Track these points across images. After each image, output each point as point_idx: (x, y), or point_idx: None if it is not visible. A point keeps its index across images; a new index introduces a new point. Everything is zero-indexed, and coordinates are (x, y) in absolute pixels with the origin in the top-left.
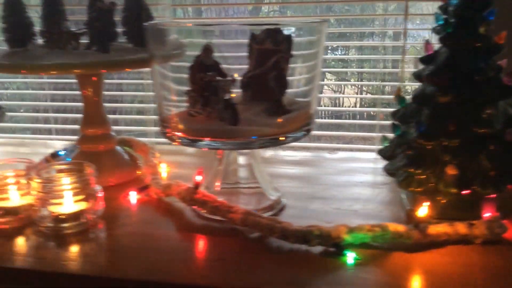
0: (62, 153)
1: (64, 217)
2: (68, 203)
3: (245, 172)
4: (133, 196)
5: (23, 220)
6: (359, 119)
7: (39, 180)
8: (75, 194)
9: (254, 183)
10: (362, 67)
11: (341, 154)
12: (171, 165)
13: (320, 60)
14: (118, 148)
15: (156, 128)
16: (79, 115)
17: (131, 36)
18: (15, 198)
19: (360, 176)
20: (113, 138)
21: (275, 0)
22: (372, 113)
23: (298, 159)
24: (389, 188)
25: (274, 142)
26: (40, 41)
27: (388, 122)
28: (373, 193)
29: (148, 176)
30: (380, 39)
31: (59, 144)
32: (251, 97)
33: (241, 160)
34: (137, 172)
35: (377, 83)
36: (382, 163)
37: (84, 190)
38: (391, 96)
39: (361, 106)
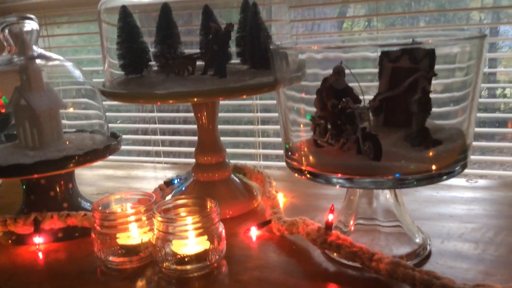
0: (176, 181)
1: (188, 258)
2: (191, 243)
3: (381, 207)
4: (254, 232)
5: (143, 260)
6: None
7: (161, 219)
8: (199, 234)
9: (394, 221)
10: None
11: (483, 183)
12: (288, 194)
13: (479, 77)
14: (233, 176)
15: (261, 151)
16: (183, 138)
17: (248, 57)
18: (135, 236)
19: None
20: (228, 166)
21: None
22: None
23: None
24: None
25: (424, 181)
26: (155, 67)
27: None
28: None
29: (267, 209)
30: None
31: (162, 166)
32: (383, 123)
33: (377, 192)
34: (254, 203)
35: None
36: None
37: (208, 229)
38: None
39: None
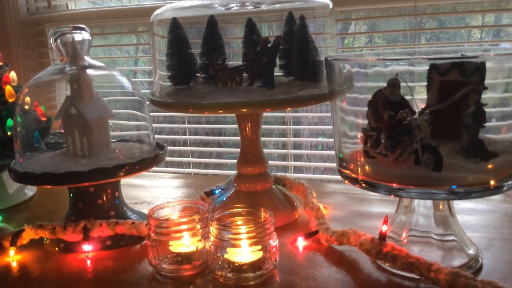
0: (217, 191)
1: (245, 267)
2: (246, 251)
3: (435, 218)
4: (301, 243)
5: (197, 268)
6: None
7: (216, 226)
8: (254, 243)
9: (448, 232)
10: None
11: None
12: (327, 206)
13: None
14: (274, 187)
15: (293, 163)
16: (216, 149)
17: (294, 69)
18: (188, 244)
19: None
20: (270, 177)
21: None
22: None
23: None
24: None
25: (482, 192)
26: (201, 78)
27: None
28: None
29: (312, 220)
30: None
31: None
32: (431, 136)
33: (430, 204)
34: (296, 214)
35: None
36: None
37: (263, 238)
38: None
39: None
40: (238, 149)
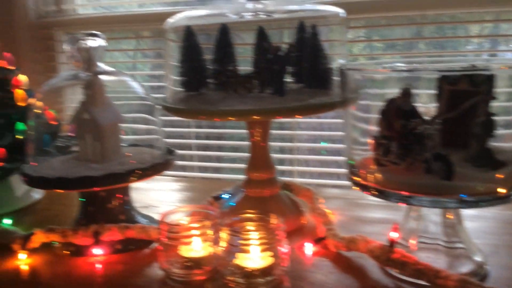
0: (225, 196)
1: (256, 272)
2: (256, 257)
3: (443, 226)
4: (308, 248)
5: (207, 273)
6: None
7: (227, 232)
8: (265, 249)
9: (456, 240)
10: None
11: None
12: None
13: None
14: (282, 193)
15: (298, 168)
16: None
17: (305, 77)
18: (198, 249)
19: None
20: (278, 183)
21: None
22: None
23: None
24: None
25: (490, 202)
26: (212, 84)
27: None
28: None
29: (319, 225)
30: None
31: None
32: (441, 144)
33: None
34: (302, 220)
35: None
36: None
37: (273, 244)
38: None
39: None
40: (239, 154)
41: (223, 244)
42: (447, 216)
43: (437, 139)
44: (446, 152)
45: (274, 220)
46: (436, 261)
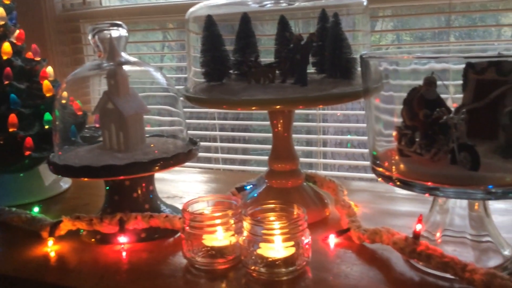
0: (248, 187)
1: (278, 262)
2: (279, 247)
3: (470, 218)
4: (332, 240)
5: (230, 262)
6: None
7: (250, 221)
8: (287, 239)
9: (483, 233)
10: None
11: None
12: (358, 204)
13: None
14: (305, 184)
15: (322, 160)
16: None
17: (327, 67)
18: (221, 238)
19: None
20: (301, 174)
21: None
22: None
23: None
24: None
25: None
26: (234, 75)
27: None
28: None
29: (343, 217)
30: None
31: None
32: (467, 135)
33: (465, 204)
34: (326, 211)
35: None
36: None
37: (296, 234)
38: None
39: None
40: (265, 146)
41: (245, 233)
42: (475, 208)
43: (463, 129)
44: (473, 143)
45: (296, 210)
46: (462, 254)
